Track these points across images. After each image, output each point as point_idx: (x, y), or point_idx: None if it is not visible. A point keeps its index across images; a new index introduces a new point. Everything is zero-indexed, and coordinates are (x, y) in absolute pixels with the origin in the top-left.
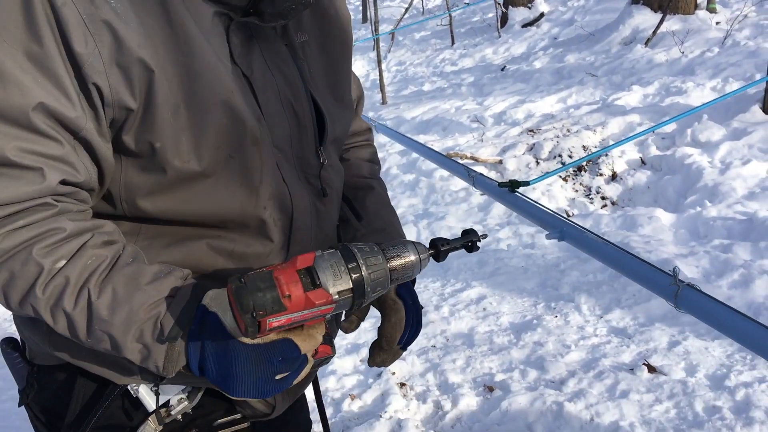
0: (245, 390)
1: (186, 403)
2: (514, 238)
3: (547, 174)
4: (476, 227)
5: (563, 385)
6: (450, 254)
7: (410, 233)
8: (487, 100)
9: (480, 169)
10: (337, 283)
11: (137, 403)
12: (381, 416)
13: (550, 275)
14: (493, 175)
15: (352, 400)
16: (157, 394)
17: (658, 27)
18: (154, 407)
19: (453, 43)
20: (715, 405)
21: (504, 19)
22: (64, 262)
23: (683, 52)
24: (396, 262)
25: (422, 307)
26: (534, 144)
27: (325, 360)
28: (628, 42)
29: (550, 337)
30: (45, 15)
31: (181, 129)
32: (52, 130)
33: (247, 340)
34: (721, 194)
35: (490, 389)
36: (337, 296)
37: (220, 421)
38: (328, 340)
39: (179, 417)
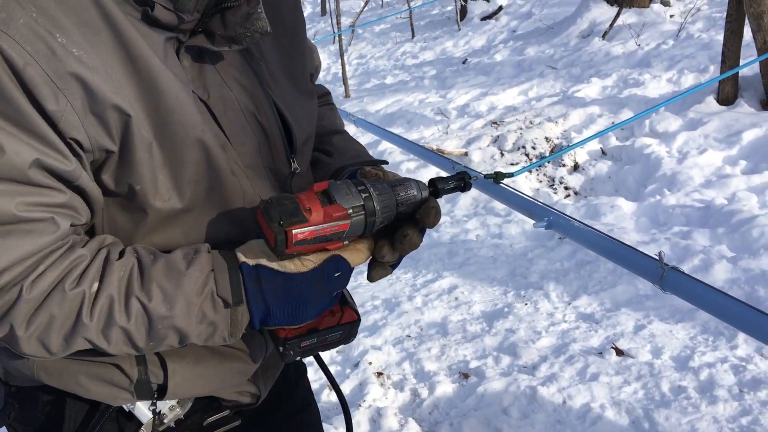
0: (315, 311)
1: (178, 410)
2: (482, 229)
3: (530, 165)
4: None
5: (536, 370)
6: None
7: None
8: (450, 93)
9: (446, 161)
10: (349, 200)
11: (130, 415)
12: (360, 405)
13: (519, 264)
14: (458, 168)
15: (331, 390)
16: (153, 410)
17: (614, 20)
18: (149, 417)
19: (413, 36)
20: (681, 385)
21: (463, 12)
22: (97, 284)
23: (639, 45)
24: (400, 191)
25: None
26: (498, 136)
27: (353, 329)
28: (586, 35)
29: (521, 324)
30: (9, 79)
31: (158, 167)
32: (52, 182)
33: (304, 268)
34: (679, 183)
35: (465, 376)
36: (351, 211)
37: (209, 420)
38: (353, 304)
39: (172, 424)
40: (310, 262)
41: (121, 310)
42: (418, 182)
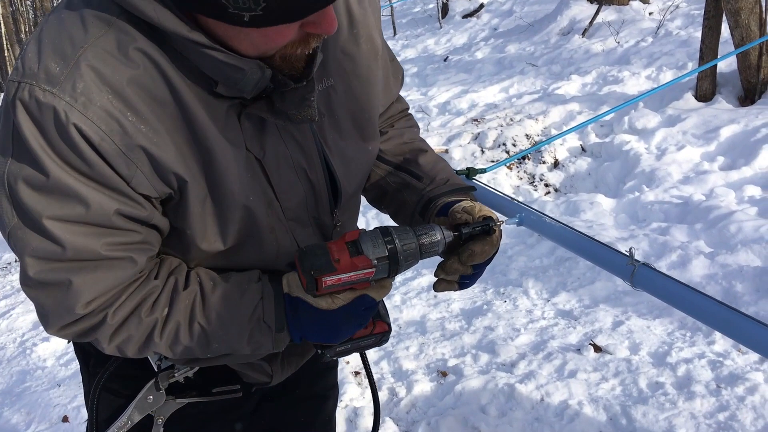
0: (346, 335)
1: (188, 368)
2: None
3: (504, 161)
4: None
5: (514, 368)
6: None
7: (360, 223)
8: (431, 90)
9: None
10: (375, 251)
11: (146, 361)
12: (337, 405)
13: (499, 261)
14: None
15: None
16: (159, 365)
17: (594, 18)
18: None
19: (395, 33)
20: (658, 381)
21: (444, 10)
22: (167, 310)
23: (619, 42)
24: (424, 239)
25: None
26: (479, 133)
27: (384, 337)
28: (566, 32)
29: (500, 321)
30: (90, 150)
31: (209, 216)
32: (130, 224)
33: (334, 305)
34: (658, 179)
35: (444, 374)
36: (375, 261)
37: (218, 389)
38: (384, 317)
39: (181, 379)
40: (340, 300)
41: (185, 332)
42: (444, 229)
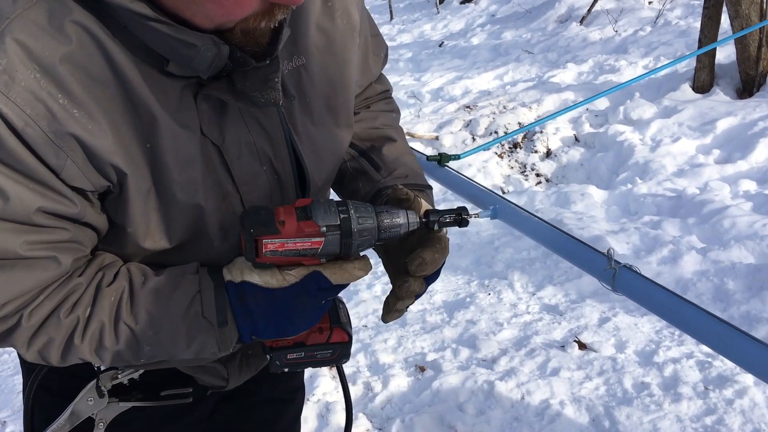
0: (302, 326)
1: (132, 369)
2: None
3: (477, 148)
4: None
5: (495, 364)
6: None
7: None
8: (424, 76)
9: (416, 145)
10: (326, 218)
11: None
12: (309, 399)
13: (485, 252)
14: (429, 151)
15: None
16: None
17: (592, 5)
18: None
19: (392, 18)
20: (644, 381)
21: None
22: (89, 309)
23: (617, 31)
24: (384, 218)
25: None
26: (470, 120)
27: (343, 351)
28: (563, 20)
29: (483, 315)
30: (11, 137)
31: (152, 211)
32: (56, 222)
33: (284, 283)
34: (652, 171)
35: (422, 369)
36: (324, 229)
37: (167, 392)
38: (345, 325)
39: (125, 381)
40: (292, 277)
41: (110, 334)
42: (410, 212)
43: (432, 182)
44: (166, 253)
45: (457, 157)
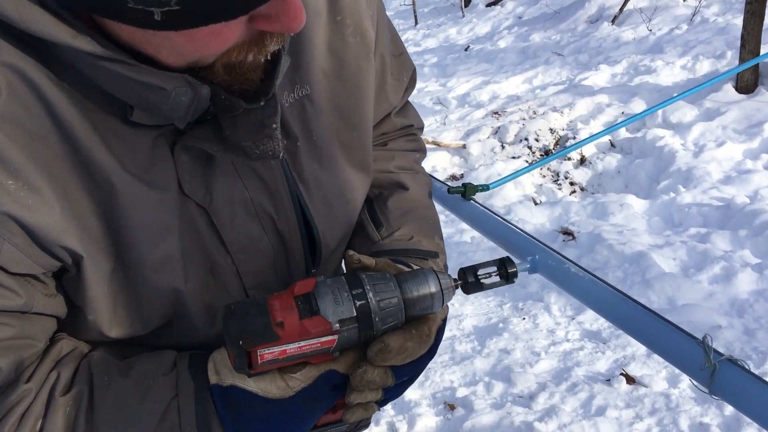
0: (310, 426)
1: None
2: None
3: (508, 177)
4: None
5: (532, 401)
6: None
7: None
8: (450, 82)
9: (442, 154)
10: (338, 311)
11: None
12: None
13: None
14: (456, 160)
15: None
16: None
17: (624, 4)
18: None
19: (416, 23)
20: (702, 422)
21: None
22: (40, 423)
23: (651, 30)
24: (411, 291)
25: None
26: (499, 127)
27: (362, 422)
28: (594, 20)
29: (518, 343)
30: None
31: (118, 296)
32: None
33: (288, 392)
34: (696, 179)
35: (451, 407)
36: (338, 325)
37: None
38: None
39: None
40: (298, 382)
41: None
42: (440, 275)
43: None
44: (144, 337)
45: (485, 187)
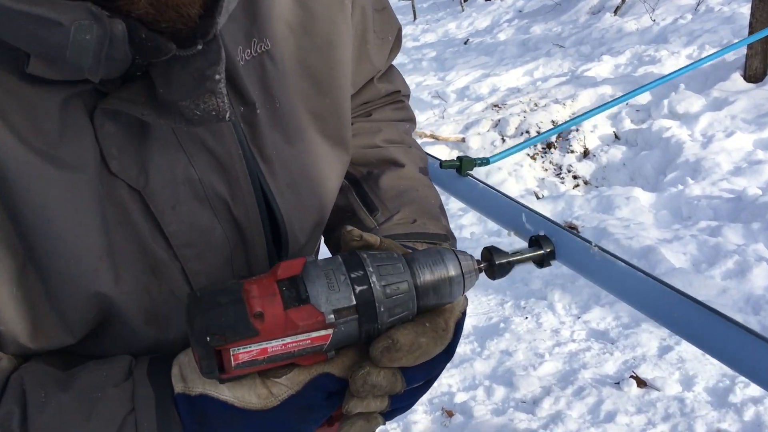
0: None
1: None
2: (478, 225)
3: (512, 149)
4: None
5: (537, 407)
6: None
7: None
8: (449, 75)
9: (441, 148)
10: (333, 298)
11: None
12: None
13: (520, 268)
14: (455, 154)
15: None
16: None
17: None
18: None
19: (415, 18)
20: (720, 428)
21: None
22: None
23: (655, 20)
24: (425, 277)
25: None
26: (499, 120)
27: None
28: (596, 11)
29: (520, 344)
30: None
31: (35, 297)
32: None
33: (271, 401)
34: (705, 170)
35: (449, 414)
36: (333, 317)
37: None
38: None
39: None
40: (283, 388)
41: None
42: (461, 255)
43: (448, 211)
44: (79, 344)
45: (485, 161)
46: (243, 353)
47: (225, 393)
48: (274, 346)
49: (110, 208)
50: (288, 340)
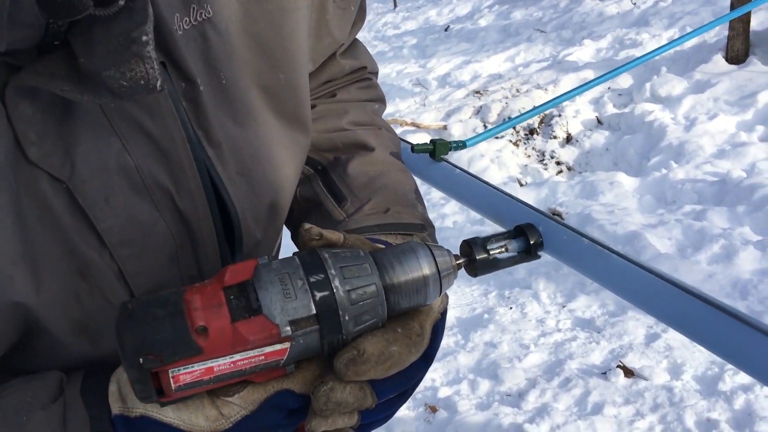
0: None
1: None
2: (460, 213)
3: (488, 131)
4: None
5: (522, 400)
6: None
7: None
8: (430, 62)
9: (422, 136)
10: (289, 307)
11: None
12: None
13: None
14: None
15: None
16: None
17: None
18: None
19: (395, 6)
20: (710, 417)
21: None
22: None
23: (635, 3)
24: (396, 277)
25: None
26: (481, 106)
27: None
28: None
29: (505, 335)
30: None
31: None
32: None
33: (221, 424)
34: (688, 154)
35: (433, 409)
36: (288, 328)
37: None
38: None
39: None
40: (236, 408)
41: None
42: (436, 250)
43: (428, 200)
44: (3, 359)
45: (461, 144)
46: (184, 374)
47: (169, 415)
48: (222, 364)
49: (28, 203)
50: (237, 357)
